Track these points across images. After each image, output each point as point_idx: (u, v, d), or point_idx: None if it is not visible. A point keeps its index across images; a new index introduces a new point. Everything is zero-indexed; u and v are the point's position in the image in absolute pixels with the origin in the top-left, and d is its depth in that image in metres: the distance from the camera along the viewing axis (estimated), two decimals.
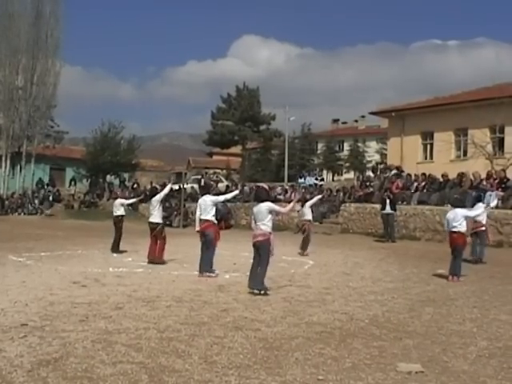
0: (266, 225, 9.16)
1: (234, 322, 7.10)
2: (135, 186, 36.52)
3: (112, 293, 8.98)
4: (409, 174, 23.77)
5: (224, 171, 51.38)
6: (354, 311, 7.89)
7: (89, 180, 42.96)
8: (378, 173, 28.07)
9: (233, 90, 54.70)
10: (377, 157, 54.96)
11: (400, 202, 20.85)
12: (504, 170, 20.32)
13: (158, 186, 19.54)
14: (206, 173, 41.31)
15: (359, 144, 60.14)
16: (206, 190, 13.98)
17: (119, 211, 15.69)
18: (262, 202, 9.36)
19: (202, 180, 34.06)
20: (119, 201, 16.23)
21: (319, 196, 18.64)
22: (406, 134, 30.88)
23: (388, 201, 19.57)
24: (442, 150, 27.93)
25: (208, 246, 10.99)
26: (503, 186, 19.06)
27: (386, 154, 39.97)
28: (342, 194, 26.03)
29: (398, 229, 20.05)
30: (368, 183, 25.44)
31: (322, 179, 35.94)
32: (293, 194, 25.44)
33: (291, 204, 10.32)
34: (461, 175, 20.68)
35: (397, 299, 8.92)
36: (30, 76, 44.45)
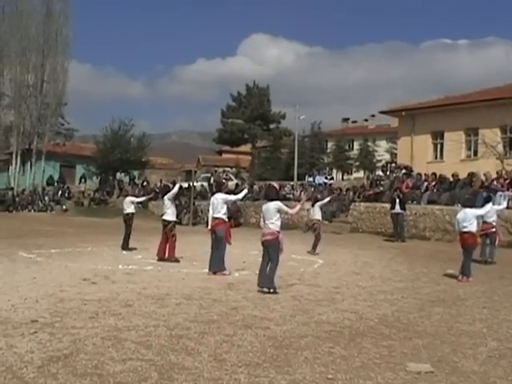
0: (274, 224, 9.15)
1: (244, 320, 7.10)
2: (145, 183, 36.60)
3: (122, 290, 9.01)
4: (419, 174, 23.65)
5: (234, 169, 51.31)
6: (364, 310, 7.87)
7: (99, 177, 43.11)
8: (388, 172, 27.99)
9: (242, 89, 54.81)
10: (387, 156, 54.72)
11: (410, 202, 20.75)
12: None
13: (169, 184, 19.59)
14: (216, 171, 41.27)
15: (369, 143, 59.86)
16: (217, 187, 13.96)
17: (129, 209, 15.75)
18: (272, 200, 9.35)
19: (212, 178, 34.06)
20: (129, 198, 16.29)
21: (329, 197, 18.68)
22: (416, 134, 30.74)
23: (398, 200, 19.46)
24: (453, 149, 27.81)
25: (218, 244, 10.98)
26: None
27: (396, 154, 39.81)
28: (351, 193, 26.03)
29: (407, 228, 19.97)
30: (378, 182, 25.40)
31: (332, 178, 35.90)
32: (302, 193, 25.41)
33: (299, 206, 10.12)
34: (471, 175, 20.58)
35: (406, 299, 8.89)
36: (41, 74, 44.89)
